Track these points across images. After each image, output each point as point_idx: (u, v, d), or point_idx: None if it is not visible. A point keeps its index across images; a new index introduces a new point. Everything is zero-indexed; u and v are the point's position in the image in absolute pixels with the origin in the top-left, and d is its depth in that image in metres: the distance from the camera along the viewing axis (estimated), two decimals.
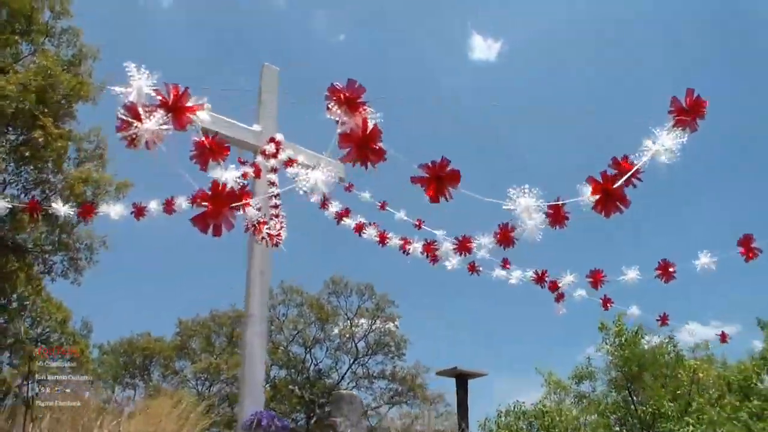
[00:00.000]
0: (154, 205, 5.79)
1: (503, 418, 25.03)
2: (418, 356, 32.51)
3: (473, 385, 13.78)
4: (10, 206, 5.35)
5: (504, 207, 3.20)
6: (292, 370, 32.13)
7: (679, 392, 20.88)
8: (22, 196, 15.88)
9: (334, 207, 6.92)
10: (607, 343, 22.78)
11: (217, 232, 3.33)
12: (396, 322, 31.97)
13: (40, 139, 14.63)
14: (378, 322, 31.69)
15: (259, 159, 7.24)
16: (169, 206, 5.66)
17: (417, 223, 6.26)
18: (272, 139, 7.45)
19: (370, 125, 2.98)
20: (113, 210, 5.97)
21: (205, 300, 41.65)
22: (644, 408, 20.60)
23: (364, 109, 2.98)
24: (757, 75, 41.61)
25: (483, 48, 44.67)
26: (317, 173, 3.98)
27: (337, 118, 2.95)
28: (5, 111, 14.68)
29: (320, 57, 40.74)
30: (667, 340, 21.98)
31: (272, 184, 7.18)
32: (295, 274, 32.08)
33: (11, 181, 16.63)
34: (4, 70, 15.36)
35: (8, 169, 15.73)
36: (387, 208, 6.75)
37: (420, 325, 40.21)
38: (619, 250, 32.67)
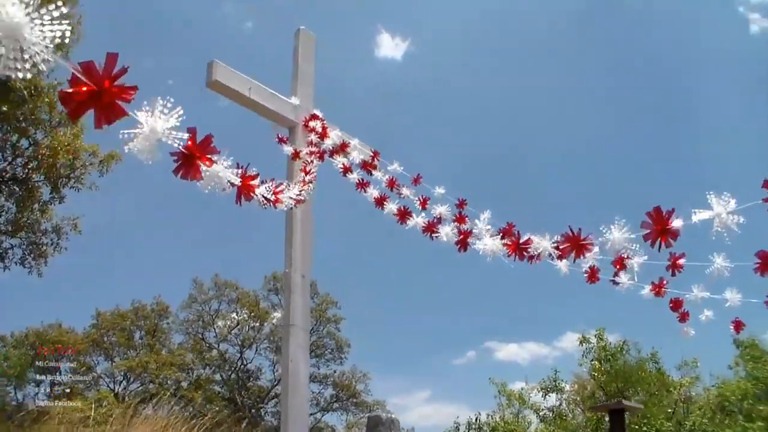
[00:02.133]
0: None
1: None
2: (354, 360, 30.76)
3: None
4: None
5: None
6: (222, 371, 29.53)
7: (670, 411, 20.05)
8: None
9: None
10: (587, 358, 21.82)
11: None
12: (339, 325, 30.14)
13: (24, 91, 11.44)
14: (319, 323, 29.59)
15: (314, 138, 6.10)
16: None
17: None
18: (314, 116, 6.28)
19: None
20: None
21: (126, 291, 38.59)
22: (637, 427, 19.62)
23: None
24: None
25: (390, 46, 43.56)
26: None
27: None
28: None
29: (226, 43, 38.53)
30: (650, 356, 21.22)
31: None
32: (232, 268, 29.63)
33: None
34: None
35: None
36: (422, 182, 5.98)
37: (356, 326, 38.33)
38: None
